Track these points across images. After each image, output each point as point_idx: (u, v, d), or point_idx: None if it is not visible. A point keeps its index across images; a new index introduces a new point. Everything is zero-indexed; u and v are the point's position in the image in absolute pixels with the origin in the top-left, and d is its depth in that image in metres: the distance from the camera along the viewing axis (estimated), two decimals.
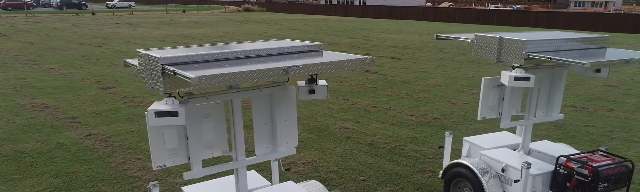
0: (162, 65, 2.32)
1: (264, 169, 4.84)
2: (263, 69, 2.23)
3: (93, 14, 40.24)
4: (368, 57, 2.61)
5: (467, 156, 4.21)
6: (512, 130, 4.96)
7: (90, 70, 11.52)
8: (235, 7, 51.69)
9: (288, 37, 20.12)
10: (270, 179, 3.65)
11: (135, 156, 5.33)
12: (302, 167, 5.01)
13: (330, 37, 20.79)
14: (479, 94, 8.77)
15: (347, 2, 57.24)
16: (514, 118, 3.84)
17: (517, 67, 3.30)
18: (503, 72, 3.32)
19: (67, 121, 6.82)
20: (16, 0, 45.72)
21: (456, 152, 5.31)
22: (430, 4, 63.31)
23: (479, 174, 3.63)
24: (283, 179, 4.51)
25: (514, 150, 3.96)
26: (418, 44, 18.12)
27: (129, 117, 7.04)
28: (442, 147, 4.31)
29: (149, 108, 2.38)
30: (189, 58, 2.43)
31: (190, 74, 2.07)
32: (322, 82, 2.95)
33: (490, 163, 3.75)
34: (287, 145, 3.07)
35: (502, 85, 3.72)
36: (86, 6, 49.02)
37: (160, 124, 2.38)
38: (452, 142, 4.28)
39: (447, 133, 4.14)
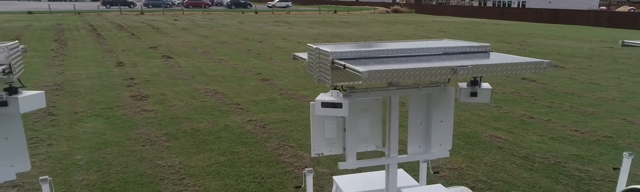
0: (332, 59, 2.45)
1: (408, 170, 4.81)
2: (431, 67, 2.20)
3: (256, 12, 44.40)
4: (545, 60, 2.40)
5: None
6: None
7: (252, 63, 12.75)
8: (384, 9, 52.10)
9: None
10: (417, 180, 3.62)
11: (288, 144, 5.76)
12: (448, 173, 4.86)
13: (482, 41, 19.67)
14: None
15: (504, 4, 53.44)
16: None
17: None
18: None
19: (233, 107, 7.67)
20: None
21: (633, 177, 4.61)
22: (604, 7, 55.61)
23: None
24: (429, 181, 4.43)
25: None
26: (587, 52, 16.10)
27: (284, 108, 7.62)
28: (617, 168, 3.76)
29: (316, 98, 2.54)
30: (357, 54, 2.53)
31: (361, 68, 2.15)
32: (485, 84, 2.81)
33: None
34: (441, 147, 3.00)
35: None
36: (251, 5, 54.35)
37: (324, 114, 2.52)
38: (630, 165, 3.72)
39: (625, 154, 3.60)
